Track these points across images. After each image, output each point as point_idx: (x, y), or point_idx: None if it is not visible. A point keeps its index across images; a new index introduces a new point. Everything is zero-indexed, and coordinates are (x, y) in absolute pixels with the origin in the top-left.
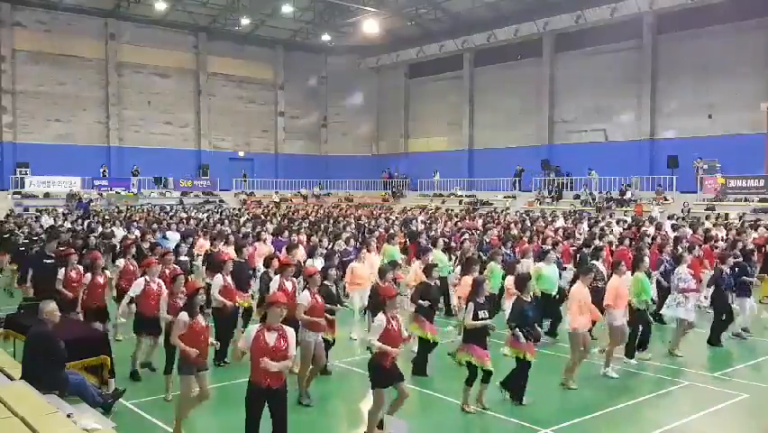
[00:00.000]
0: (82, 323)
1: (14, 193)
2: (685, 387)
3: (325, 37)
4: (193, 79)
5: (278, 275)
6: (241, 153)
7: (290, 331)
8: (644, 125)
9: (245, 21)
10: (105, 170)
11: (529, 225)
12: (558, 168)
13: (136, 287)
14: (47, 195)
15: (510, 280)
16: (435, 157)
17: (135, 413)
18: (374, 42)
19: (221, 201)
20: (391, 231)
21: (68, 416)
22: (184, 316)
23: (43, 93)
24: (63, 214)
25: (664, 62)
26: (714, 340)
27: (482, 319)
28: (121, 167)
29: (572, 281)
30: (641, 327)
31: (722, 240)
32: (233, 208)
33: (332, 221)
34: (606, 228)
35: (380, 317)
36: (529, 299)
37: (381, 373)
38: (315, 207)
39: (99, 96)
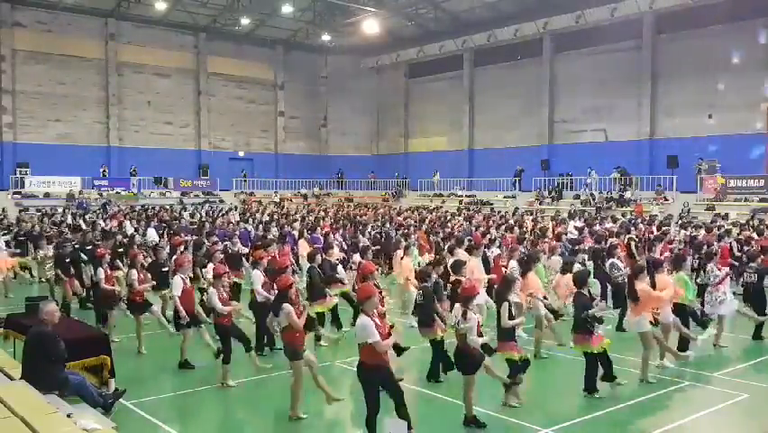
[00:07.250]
0: (82, 323)
1: (14, 193)
2: (685, 387)
3: (325, 37)
4: (193, 79)
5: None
6: (241, 153)
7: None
8: (644, 125)
9: (245, 21)
10: (104, 170)
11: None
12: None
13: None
14: (47, 195)
15: (567, 278)
16: (435, 157)
17: (135, 413)
18: (374, 42)
19: (221, 201)
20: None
21: (68, 416)
22: (287, 307)
23: (43, 93)
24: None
25: (664, 62)
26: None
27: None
28: (121, 167)
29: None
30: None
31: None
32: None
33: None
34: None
35: (469, 315)
36: (588, 294)
37: (473, 361)
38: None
39: (99, 96)
